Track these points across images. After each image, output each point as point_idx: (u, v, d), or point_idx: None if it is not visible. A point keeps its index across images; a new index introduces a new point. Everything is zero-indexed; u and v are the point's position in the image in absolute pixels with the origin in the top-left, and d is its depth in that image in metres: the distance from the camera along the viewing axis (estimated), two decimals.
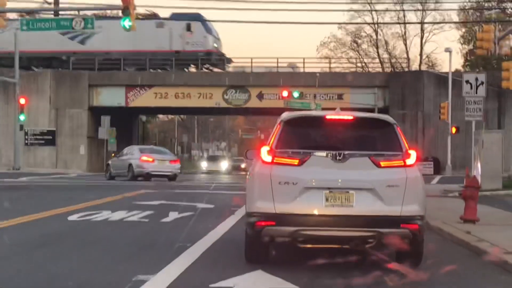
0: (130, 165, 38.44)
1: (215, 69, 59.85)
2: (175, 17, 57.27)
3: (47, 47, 56.96)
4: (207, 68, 59.57)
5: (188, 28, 56.88)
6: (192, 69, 59.97)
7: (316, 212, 10.08)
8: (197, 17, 56.48)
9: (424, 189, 10.54)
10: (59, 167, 56.00)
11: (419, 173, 10.50)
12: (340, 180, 10.09)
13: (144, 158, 38.33)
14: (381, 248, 10.44)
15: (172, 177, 38.95)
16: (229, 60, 61.81)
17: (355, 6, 76.44)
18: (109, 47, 57.33)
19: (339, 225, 10.06)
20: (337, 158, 10.16)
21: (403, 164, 10.29)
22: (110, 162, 41.88)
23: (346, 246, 10.44)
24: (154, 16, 58.39)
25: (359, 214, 10.04)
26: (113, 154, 42.99)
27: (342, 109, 11.36)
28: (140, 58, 57.98)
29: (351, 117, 10.67)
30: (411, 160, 10.34)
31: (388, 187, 10.10)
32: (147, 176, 38.03)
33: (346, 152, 10.17)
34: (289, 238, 10.24)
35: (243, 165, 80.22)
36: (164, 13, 64.29)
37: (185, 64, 59.55)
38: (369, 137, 10.71)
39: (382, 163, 10.22)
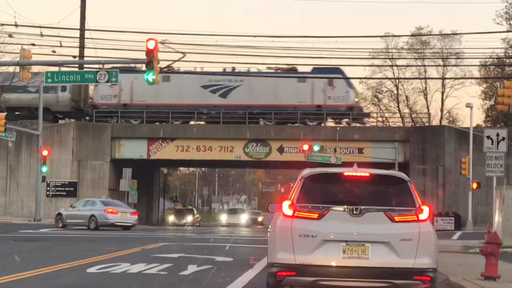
0: (92, 216, 41.39)
1: (354, 124, 59.30)
2: (317, 71, 57.33)
3: (188, 100, 57.91)
4: (346, 123, 59.40)
5: (330, 83, 57.30)
6: (330, 123, 59.73)
7: (334, 263, 10.61)
8: (339, 71, 56.14)
9: (436, 243, 10.99)
10: None
11: (432, 227, 11.02)
12: (356, 234, 10.65)
13: (110, 210, 41.73)
14: None
15: (130, 227, 42.43)
16: (368, 115, 61.98)
17: (376, 62, 76.90)
18: (251, 101, 57.78)
19: (356, 276, 10.59)
20: (354, 212, 10.73)
21: (416, 219, 10.81)
22: (62, 212, 44.03)
23: None
24: (294, 70, 58.62)
25: (374, 266, 10.55)
26: (71, 205, 45.11)
27: (360, 165, 11.83)
28: (280, 111, 58.18)
29: (367, 174, 11.26)
30: (424, 215, 10.85)
31: (402, 240, 10.63)
32: (111, 226, 41.38)
33: (363, 207, 10.76)
34: None
35: (259, 218, 79.96)
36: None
37: (323, 119, 59.06)
38: (384, 193, 11.24)
39: (397, 218, 10.76)
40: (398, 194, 11.09)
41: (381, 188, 11.27)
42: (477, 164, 48.75)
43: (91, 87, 60.39)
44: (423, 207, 10.89)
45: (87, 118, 59.82)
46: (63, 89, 58.54)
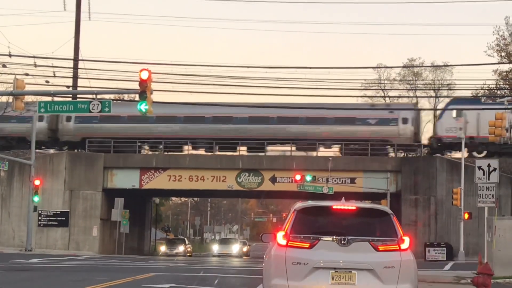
0: None
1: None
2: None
3: None
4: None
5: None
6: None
7: None
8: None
9: (416, 270, 12.12)
10: (71, 249, 55.99)
11: (412, 256, 12.13)
12: (344, 262, 11.73)
13: None
14: None
15: None
16: None
17: (368, 92, 77.30)
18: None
19: None
20: (342, 242, 11.79)
21: (398, 248, 11.93)
22: None
23: None
24: None
25: None
26: None
27: (352, 195, 12.72)
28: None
29: (354, 207, 12.32)
30: (405, 245, 11.96)
31: (385, 268, 11.75)
32: None
33: (350, 237, 11.82)
34: None
35: (245, 249, 79.19)
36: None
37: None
38: (369, 224, 12.26)
39: (380, 247, 11.85)
40: (381, 225, 12.15)
41: (366, 220, 12.32)
42: (468, 194, 48.91)
43: (430, 120, 59.88)
44: (404, 237, 11.97)
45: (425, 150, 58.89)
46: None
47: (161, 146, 60.22)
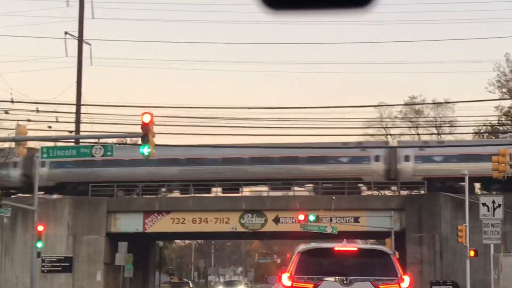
0: None
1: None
2: None
3: None
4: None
5: None
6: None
7: None
8: None
9: None
10: None
11: None
12: None
13: None
14: None
15: None
16: None
17: (370, 131, 77.40)
18: None
19: None
20: (344, 282, 12.19)
21: (398, 287, 12.30)
22: None
23: None
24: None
25: None
26: None
27: (355, 234, 13.13)
28: None
29: (355, 249, 12.87)
30: (405, 284, 12.39)
31: None
32: None
33: (352, 277, 12.24)
34: None
35: None
36: None
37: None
38: (370, 265, 12.62)
39: (381, 287, 12.25)
40: (382, 265, 12.49)
41: (367, 260, 12.68)
42: (474, 232, 48.49)
43: None
44: (404, 276, 12.42)
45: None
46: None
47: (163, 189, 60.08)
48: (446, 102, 75.02)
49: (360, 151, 57.71)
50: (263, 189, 60.42)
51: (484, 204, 30.56)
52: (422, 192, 58.60)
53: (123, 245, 57.27)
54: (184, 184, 58.95)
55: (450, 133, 76.01)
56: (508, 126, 71.12)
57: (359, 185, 59.12)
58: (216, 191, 59.59)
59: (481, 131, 71.02)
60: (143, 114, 31.18)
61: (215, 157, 57.19)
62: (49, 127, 51.24)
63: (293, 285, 12.30)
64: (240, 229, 58.57)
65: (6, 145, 56.57)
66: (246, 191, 61.17)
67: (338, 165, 57.41)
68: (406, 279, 12.40)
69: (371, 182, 58.10)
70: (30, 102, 51.51)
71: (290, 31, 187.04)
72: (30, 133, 38.09)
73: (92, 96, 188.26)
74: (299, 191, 60.62)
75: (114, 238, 58.16)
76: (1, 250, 57.18)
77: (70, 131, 55.77)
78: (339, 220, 56.47)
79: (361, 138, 73.58)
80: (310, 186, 59.92)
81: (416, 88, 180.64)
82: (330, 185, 58.72)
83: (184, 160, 57.96)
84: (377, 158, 57.68)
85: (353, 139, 62.21)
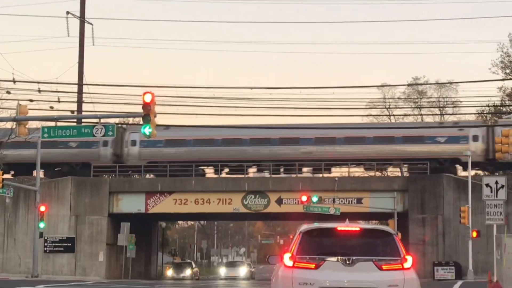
0: None
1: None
2: None
3: None
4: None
5: None
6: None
7: None
8: None
9: (419, 287, 12.55)
10: (78, 274, 55.72)
11: (415, 274, 12.52)
12: (349, 281, 12.12)
13: None
14: None
15: None
16: None
17: (373, 112, 77.15)
18: None
19: None
20: (347, 262, 12.21)
21: (401, 267, 12.32)
22: None
23: None
24: None
25: None
26: None
27: (359, 215, 12.91)
28: None
29: (357, 228, 12.81)
30: (408, 264, 12.36)
31: (389, 286, 12.15)
32: None
33: (354, 258, 12.25)
34: None
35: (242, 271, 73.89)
36: None
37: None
38: (373, 245, 12.67)
39: (384, 267, 12.25)
40: (385, 245, 12.55)
41: (370, 241, 12.72)
42: (476, 213, 48.53)
43: None
44: (407, 256, 12.39)
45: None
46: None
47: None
48: (449, 83, 74.83)
49: (458, 130, 56.15)
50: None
51: (487, 185, 30.38)
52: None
53: (125, 226, 57.33)
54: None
55: (453, 114, 75.75)
56: (511, 107, 70.87)
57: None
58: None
59: (484, 112, 70.75)
60: (144, 93, 31.06)
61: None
62: (51, 107, 51.09)
63: (295, 265, 12.34)
64: (242, 210, 58.52)
65: (8, 125, 56.38)
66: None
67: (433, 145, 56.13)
68: (409, 259, 12.38)
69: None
70: (32, 82, 51.15)
71: (293, 10, 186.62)
72: (33, 113, 37.93)
73: (94, 76, 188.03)
74: (305, 172, 60.15)
75: (116, 219, 58.19)
76: (3, 230, 57.22)
77: (72, 111, 55.61)
78: (341, 201, 56.39)
79: (365, 119, 73.41)
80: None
81: (419, 69, 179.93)
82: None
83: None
84: (475, 138, 56.04)
85: (358, 120, 61.90)
